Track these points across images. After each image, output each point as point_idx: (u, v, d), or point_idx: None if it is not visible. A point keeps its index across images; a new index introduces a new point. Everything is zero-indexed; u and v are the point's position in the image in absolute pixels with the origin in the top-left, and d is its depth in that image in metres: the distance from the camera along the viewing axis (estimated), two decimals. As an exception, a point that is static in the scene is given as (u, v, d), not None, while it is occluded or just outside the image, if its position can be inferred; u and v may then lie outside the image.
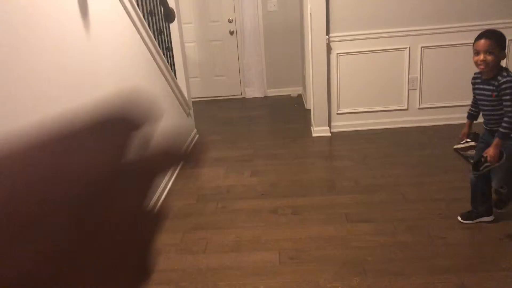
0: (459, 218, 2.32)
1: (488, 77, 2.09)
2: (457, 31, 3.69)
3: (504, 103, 2.03)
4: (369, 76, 3.88)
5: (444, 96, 3.89)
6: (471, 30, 3.67)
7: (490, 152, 2.07)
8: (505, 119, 2.03)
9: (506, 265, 1.94)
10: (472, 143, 2.23)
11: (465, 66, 3.75)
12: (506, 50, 2.07)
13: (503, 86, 2.02)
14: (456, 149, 2.73)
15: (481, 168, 2.15)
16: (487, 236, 2.17)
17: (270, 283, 1.95)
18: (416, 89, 3.89)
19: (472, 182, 2.27)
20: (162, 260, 2.19)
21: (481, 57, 2.03)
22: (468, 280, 1.86)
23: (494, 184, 2.23)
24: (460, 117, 3.89)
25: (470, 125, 2.33)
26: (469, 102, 3.83)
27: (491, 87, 2.08)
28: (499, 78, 2.03)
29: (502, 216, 2.32)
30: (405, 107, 3.95)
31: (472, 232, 2.21)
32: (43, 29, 1.57)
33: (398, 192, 2.72)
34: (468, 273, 1.90)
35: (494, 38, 2.03)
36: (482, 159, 2.12)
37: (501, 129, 2.04)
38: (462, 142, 2.49)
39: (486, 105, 2.14)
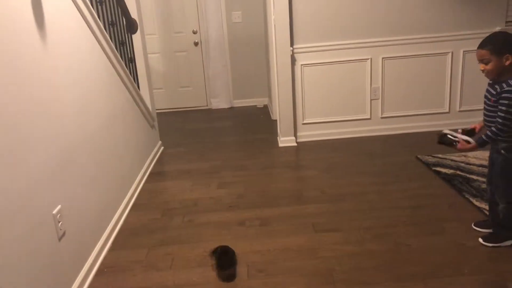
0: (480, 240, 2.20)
1: (497, 80, 2.00)
2: (416, 43, 3.82)
3: (499, 113, 1.96)
4: (332, 86, 3.94)
5: (405, 105, 4.00)
6: (429, 42, 3.83)
7: (465, 146, 2.07)
8: (493, 128, 1.99)
9: (469, 269, 1.99)
10: (460, 135, 2.17)
11: (424, 76, 3.89)
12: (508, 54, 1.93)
13: (503, 95, 1.95)
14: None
15: (442, 141, 2.16)
16: (450, 242, 2.22)
17: (239, 297, 1.92)
18: (378, 99, 3.98)
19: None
20: (127, 278, 2.11)
21: (481, 66, 2.01)
22: (434, 286, 1.89)
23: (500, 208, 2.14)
24: (420, 125, 4.03)
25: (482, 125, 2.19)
26: (429, 110, 4.00)
27: (493, 91, 2.00)
28: (504, 85, 1.95)
29: (465, 221, 2.38)
30: (368, 116, 4.03)
31: (435, 239, 2.26)
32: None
33: (364, 201, 2.75)
34: (434, 279, 1.93)
35: (488, 47, 1.97)
36: (454, 143, 2.11)
37: (483, 136, 2.02)
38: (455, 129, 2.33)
39: (486, 108, 2.07)
